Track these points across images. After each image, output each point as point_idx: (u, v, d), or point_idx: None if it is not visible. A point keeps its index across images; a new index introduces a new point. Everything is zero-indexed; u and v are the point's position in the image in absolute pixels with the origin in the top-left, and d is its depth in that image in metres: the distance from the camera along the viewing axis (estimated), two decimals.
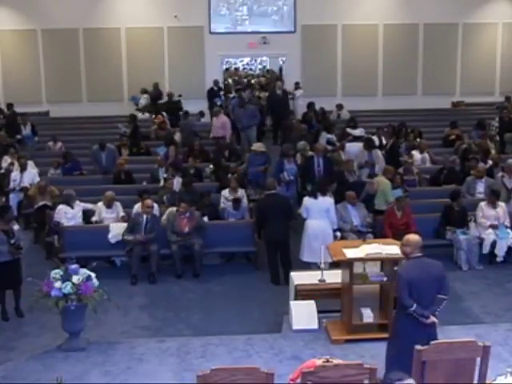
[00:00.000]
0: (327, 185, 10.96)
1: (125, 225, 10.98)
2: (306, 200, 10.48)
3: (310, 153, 13.33)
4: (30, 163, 13.79)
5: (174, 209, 11.07)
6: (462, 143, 15.10)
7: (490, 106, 20.16)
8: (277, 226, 10.25)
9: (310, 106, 18.12)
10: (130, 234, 10.63)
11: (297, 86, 20.25)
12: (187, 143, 15.57)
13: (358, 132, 15.71)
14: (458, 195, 11.23)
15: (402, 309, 6.41)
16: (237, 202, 11.60)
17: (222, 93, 20.67)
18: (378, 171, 12.83)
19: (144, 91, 20.13)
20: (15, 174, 13.49)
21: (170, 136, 15.72)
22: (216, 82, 20.35)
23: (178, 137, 16.28)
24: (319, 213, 10.27)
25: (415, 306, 6.27)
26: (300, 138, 14.66)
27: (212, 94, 20.02)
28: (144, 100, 20.04)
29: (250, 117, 16.94)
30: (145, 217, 10.76)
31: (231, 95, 20.38)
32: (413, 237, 6.61)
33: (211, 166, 14.04)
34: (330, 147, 14.55)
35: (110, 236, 10.89)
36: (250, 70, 30.80)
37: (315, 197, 10.39)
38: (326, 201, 10.42)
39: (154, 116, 18.12)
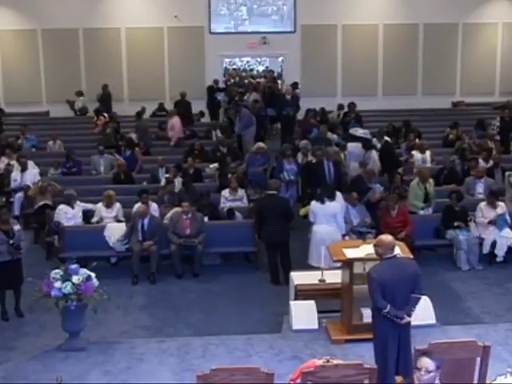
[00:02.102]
0: (335, 190, 10.83)
1: (121, 225, 11.00)
2: (313, 204, 10.37)
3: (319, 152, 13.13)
4: (31, 163, 13.79)
5: (180, 209, 11.02)
6: (462, 143, 15.10)
7: (490, 106, 20.15)
8: (275, 227, 10.21)
9: (350, 106, 17.81)
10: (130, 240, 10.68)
11: (295, 86, 20.14)
12: (142, 144, 15.55)
13: (361, 133, 15.68)
14: (450, 195, 11.27)
15: (377, 310, 6.42)
16: (231, 213, 11.60)
17: (222, 93, 20.65)
18: None
19: (79, 93, 19.96)
20: (15, 174, 13.49)
21: (130, 139, 15.53)
22: (216, 82, 20.38)
23: (133, 137, 16.07)
24: (326, 218, 10.17)
25: (389, 307, 6.26)
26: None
27: (212, 92, 20.04)
28: (80, 102, 19.88)
29: (244, 122, 16.88)
30: (141, 218, 10.75)
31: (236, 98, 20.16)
32: (385, 237, 6.57)
33: (216, 164, 14.04)
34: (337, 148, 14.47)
35: (106, 235, 10.89)
36: (251, 70, 30.68)
37: (322, 202, 10.27)
38: (334, 206, 10.30)
39: (95, 118, 18.02)
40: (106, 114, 17.93)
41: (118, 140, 16.33)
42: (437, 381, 4.98)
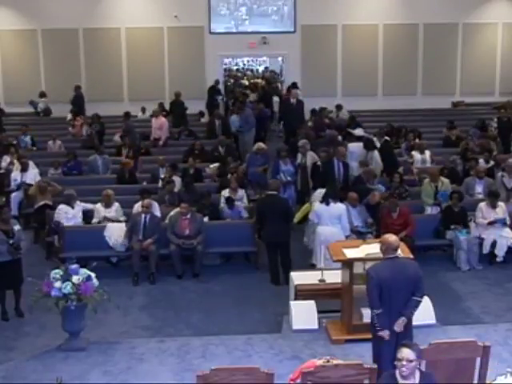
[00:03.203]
0: (340, 191, 10.83)
1: (121, 225, 11.01)
2: (317, 206, 10.37)
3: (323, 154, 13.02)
4: (31, 164, 13.78)
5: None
6: (465, 143, 15.10)
7: (490, 106, 20.15)
8: (275, 227, 10.20)
9: (351, 117, 17.63)
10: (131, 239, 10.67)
11: (293, 86, 20.01)
12: (131, 144, 15.39)
13: (360, 132, 15.67)
14: (451, 195, 11.30)
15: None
16: (230, 200, 11.59)
17: (221, 96, 20.68)
18: None
19: (42, 94, 19.87)
20: (15, 174, 13.50)
21: (137, 147, 15.35)
22: (217, 82, 20.38)
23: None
24: (331, 219, 10.16)
25: (380, 311, 6.27)
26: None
27: (213, 92, 20.03)
28: (43, 104, 19.81)
29: (245, 121, 16.84)
30: (143, 216, 10.77)
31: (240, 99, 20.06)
32: (388, 237, 6.58)
33: (216, 164, 14.03)
34: None
35: (106, 235, 10.89)
36: (251, 71, 30.68)
37: (327, 203, 10.27)
38: (338, 207, 10.29)
39: (72, 118, 17.93)
40: (81, 116, 17.89)
41: (102, 141, 16.30)
42: (418, 369, 5.18)
